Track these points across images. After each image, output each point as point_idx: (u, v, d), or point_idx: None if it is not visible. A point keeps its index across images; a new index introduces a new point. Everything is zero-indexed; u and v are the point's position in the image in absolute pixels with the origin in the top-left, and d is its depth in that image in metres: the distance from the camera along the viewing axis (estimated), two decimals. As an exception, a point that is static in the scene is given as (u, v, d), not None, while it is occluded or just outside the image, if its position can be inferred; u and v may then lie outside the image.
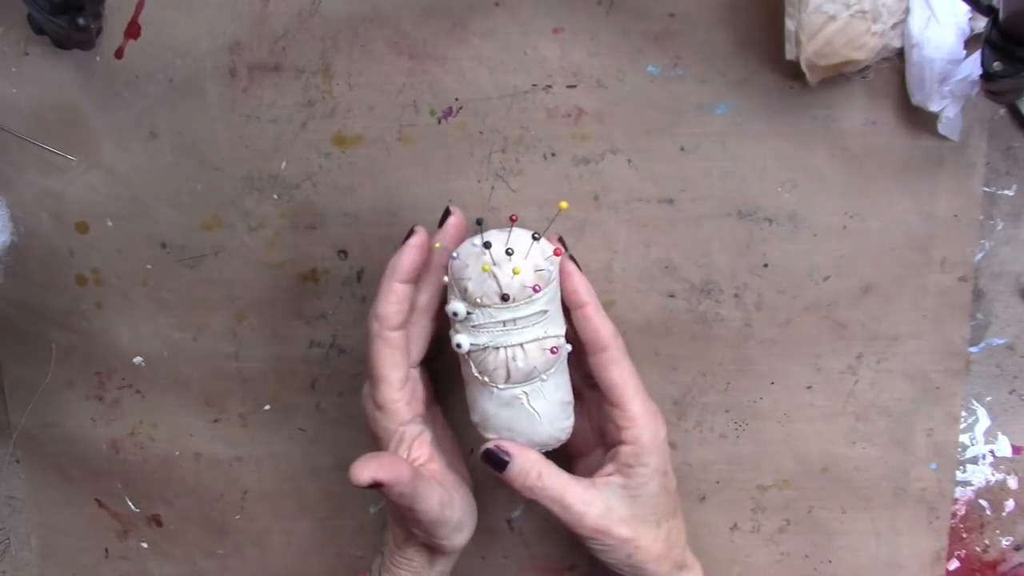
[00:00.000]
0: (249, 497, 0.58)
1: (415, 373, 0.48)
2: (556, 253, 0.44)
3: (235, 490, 0.58)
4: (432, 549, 0.48)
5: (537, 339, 0.44)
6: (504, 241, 0.43)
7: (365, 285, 0.54)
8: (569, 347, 0.46)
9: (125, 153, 0.53)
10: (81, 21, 0.45)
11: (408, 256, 0.46)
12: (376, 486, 0.42)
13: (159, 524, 0.59)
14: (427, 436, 0.48)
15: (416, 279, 0.47)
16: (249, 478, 0.58)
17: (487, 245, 0.43)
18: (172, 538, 0.59)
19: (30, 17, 0.46)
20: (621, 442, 0.47)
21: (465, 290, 0.44)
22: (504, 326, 0.44)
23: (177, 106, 0.52)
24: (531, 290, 0.43)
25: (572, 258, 0.46)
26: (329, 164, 0.53)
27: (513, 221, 0.44)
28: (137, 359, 0.56)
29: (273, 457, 0.57)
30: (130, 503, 0.59)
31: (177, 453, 0.58)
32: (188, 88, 0.52)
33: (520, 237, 0.44)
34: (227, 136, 0.53)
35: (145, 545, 0.60)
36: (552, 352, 0.45)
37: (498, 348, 0.44)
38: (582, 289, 0.46)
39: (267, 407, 0.57)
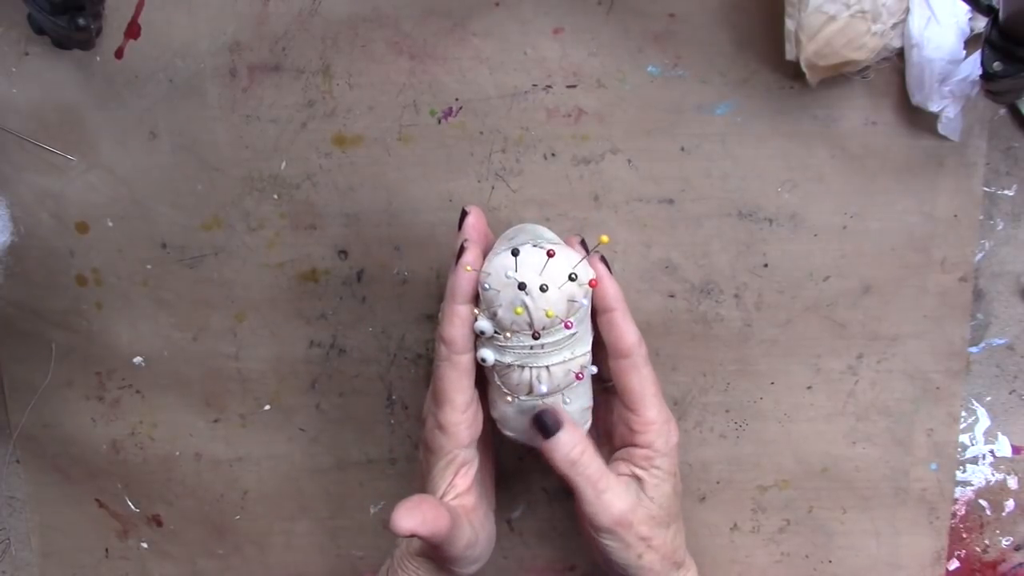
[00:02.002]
0: (249, 497, 0.58)
1: (476, 394, 0.47)
2: (592, 284, 0.43)
3: (235, 490, 0.58)
4: (440, 569, 0.47)
5: (563, 361, 0.44)
6: (538, 269, 0.42)
7: (365, 285, 0.54)
8: (594, 369, 0.46)
9: (125, 153, 0.53)
10: (81, 21, 0.45)
11: (463, 278, 0.44)
12: (415, 536, 0.42)
13: (159, 524, 0.59)
14: (475, 465, 0.47)
15: (477, 295, 0.45)
16: (249, 478, 0.58)
17: (521, 287, 0.42)
18: (172, 538, 0.59)
19: (30, 17, 0.46)
20: (634, 445, 0.47)
21: (495, 315, 0.43)
22: (531, 349, 0.43)
23: (177, 106, 0.52)
24: (563, 325, 0.43)
25: (604, 260, 0.46)
26: (329, 164, 0.53)
27: (551, 256, 0.42)
28: (137, 359, 0.56)
29: (273, 457, 0.57)
30: (130, 503, 0.59)
31: (177, 453, 0.58)
32: (188, 88, 0.52)
33: (556, 270, 0.42)
34: (227, 136, 0.53)
35: (145, 545, 0.60)
36: (577, 377, 0.45)
37: (523, 367, 0.44)
38: (612, 294, 0.45)
39: (267, 407, 0.57)
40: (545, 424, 0.45)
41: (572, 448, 0.45)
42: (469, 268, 0.44)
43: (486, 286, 0.43)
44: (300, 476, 0.57)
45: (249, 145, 0.53)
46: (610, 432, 0.49)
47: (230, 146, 0.53)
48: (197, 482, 0.58)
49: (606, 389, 0.49)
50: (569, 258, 0.43)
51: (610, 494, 0.45)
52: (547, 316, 0.42)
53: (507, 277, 0.42)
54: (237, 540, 0.59)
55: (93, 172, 0.54)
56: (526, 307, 0.42)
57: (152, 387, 0.57)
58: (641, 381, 0.46)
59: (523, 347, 0.43)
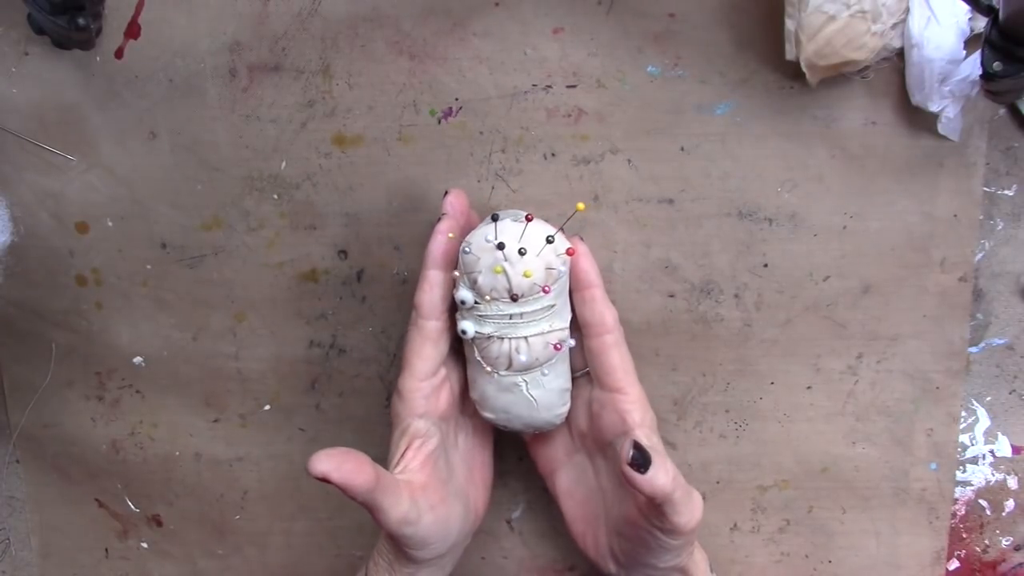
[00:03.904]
0: (249, 497, 0.58)
1: (446, 372, 0.48)
2: (569, 253, 0.44)
3: (235, 490, 0.58)
4: (400, 552, 0.47)
5: (541, 333, 0.45)
6: (518, 237, 0.43)
7: (365, 285, 0.54)
8: (572, 342, 0.47)
9: (125, 153, 0.53)
10: (81, 21, 0.45)
11: (437, 244, 0.46)
12: (328, 482, 0.41)
13: (159, 524, 0.59)
14: (432, 443, 0.47)
15: (452, 264, 0.46)
16: (249, 478, 0.58)
17: (500, 246, 0.43)
18: (172, 538, 0.59)
19: (30, 17, 0.46)
20: (628, 428, 0.46)
21: (475, 282, 0.44)
22: (511, 319, 0.44)
23: (177, 106, 0.52)
24: (541, 290, 0.44)
25: (581, 239, 0.47)
26: (329, 164, 0.53)
27: (529, 220, 0.44)
28: (137, 359, 0.56)
29: (273, 457, 0.57)
30: (130, 503, 0.59)
31: (177, 453, 0.58)
32: (188, 88, 0.52)
33: (534, 235, 0.44)
34: (227, 136, 0.53)
35: (145, 545, 0.60)
36: (555, 348, 0.45)
37: (502, 339, 0.45)
38: (590, 270, 0.46)
39: (267, 407, 0.57)
40: (643, 455, 0.41)
41: (673, 475, 0.42)
42: (452, 235, 0.45)
43: (467, 250, 0.44)
44: (300, 476, 0.57)
45: (249, 145, 0.53)
46: (583, 431, 0.49)
47: (230, 146, 0.53)
48: (197, 482, 0.58)
49: (575, 380, 0.49)
50: (547, 226, 0.45)
51: (694, 495, 0.44)
52: (525, 276, 0.43)
53: (487, 241, 0.43)
54: (237, 540, 0.59)
55: (93, 172, 0.54)
56: (505, 270, 0.43)
57: (152, 387, 0.57)
58: (623, 357, 0.47)
59: (502, 316, 0.44)
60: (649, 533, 0.44)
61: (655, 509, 0.43)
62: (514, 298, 0.44)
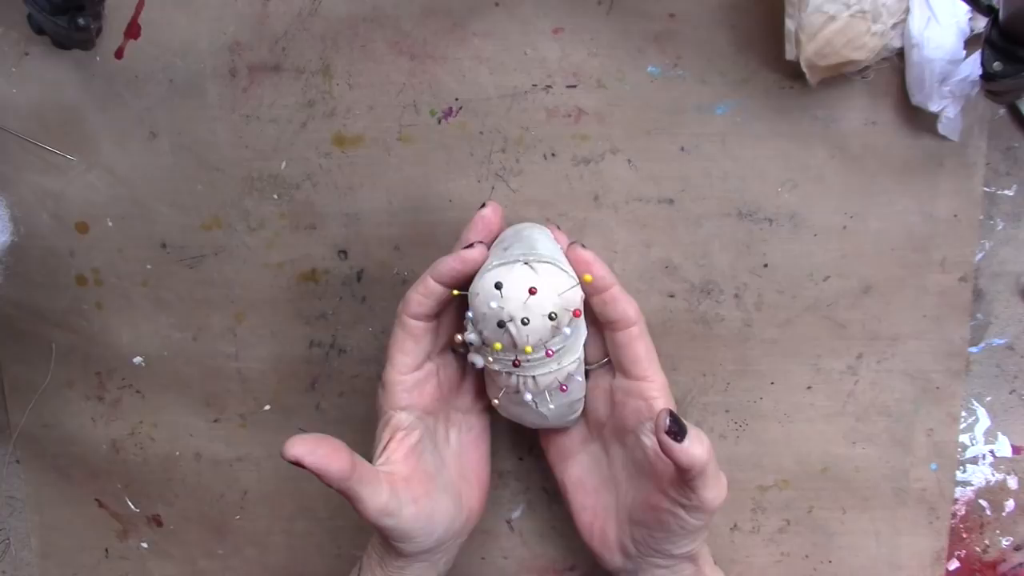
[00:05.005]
0: (249, 497, 0.58)
1: (433, 368, 0.48)
2: (576, 314, 0.44)
3: (235, 490, 0.58)
4: (389, 546, 0.47)
5: (549, 372, 0.45)
6: (523, 302, 0.42)
7: (365, 285, 0.54)
8: (580, 379, 0.47)
9: (125, 153, 0.53)
10: (81, 21, 0.45)
11: (450, 263, 0.45)
12: (302, 466, 0.41)
13: (159, 524, 0.59)
14: (415, 435, 0.47)
15: (456, 285, 0.46)
16: (249, 478, 0.58)
17: (500, 324, 0.42)
18: (172, 538, 0.59)
19: (30, 17, 0.46)
20: (655, 414, 0.45)
21: (481, 333, 0.44)
22: (515, 364, 0.44)
23: (177, 106, 0.52)
24: (545, 354, 0.44)
25: (583, 245, 0.46)
26: (329, 164, 0.53)
27: (533, 293, 0.42)
28: (137, 359, 0.56)
29: (273, 457, 0.57)
30: (130, 503, 0.59)
31: (177, 453, 0.58)
32: (188, 88, 0.52)
33: (539, 306, 0.42)
34: (227, 136, 0.53)
35: (145, 545, 0.60)
36: (562, 390, 0.45)
37: (510, 374, 0.45)
38: (606, 273, 0.45)
39: (267, 407, 0.57)
40: (680, 425, 0.42)
41: (708, 446, 0.42)
42: (456, 292, 0.45)
43: (469, 315, 0.44)
44: (300, 476, 0.57)
45: (249, 145, 0.53)
46: (601, 420, 0.49)
47: (230, 146, 0.53)
48: (197, 482, 0.58)
49: (592, 371, 0.49)
50: (554, 285, 0.43)
51: (721, 473, 0.44)
52: (526, 352, 0.43)
53: (490, 308, 0.43)
54: (237, 540, 0.59)
55: (93, 172, 0.54)
56: (509, 334, 0.43)
57: (152, 387, 0.57)
58: (647, 346, 0.47)
59: (509, 361, 0.44)
60: (672, 514, 0.44)
61: (684, 485, 0.43)
62: (516, 364, 0.44)
